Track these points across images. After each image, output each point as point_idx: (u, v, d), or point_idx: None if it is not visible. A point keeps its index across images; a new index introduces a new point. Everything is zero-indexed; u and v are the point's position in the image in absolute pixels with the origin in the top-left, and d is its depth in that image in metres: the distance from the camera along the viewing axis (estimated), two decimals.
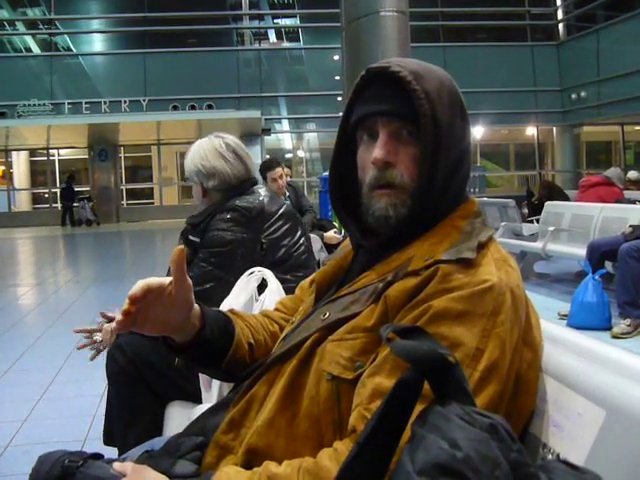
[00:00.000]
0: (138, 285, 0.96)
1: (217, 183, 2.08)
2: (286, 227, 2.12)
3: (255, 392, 1.00)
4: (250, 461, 0.92)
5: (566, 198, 8.99)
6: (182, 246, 0.97)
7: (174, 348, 1.08)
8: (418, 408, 0.62)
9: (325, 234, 4.88)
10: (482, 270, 0.88)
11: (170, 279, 0.98)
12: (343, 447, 0.82)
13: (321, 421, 0.90)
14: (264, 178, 4.73)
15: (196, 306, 1.06)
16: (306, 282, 1.23)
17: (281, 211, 2.13)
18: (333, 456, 0.82)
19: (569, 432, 0.81)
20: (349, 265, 1.07)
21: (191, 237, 2.11)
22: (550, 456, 0.83)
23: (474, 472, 0.53)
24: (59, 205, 20.56)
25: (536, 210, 8.27)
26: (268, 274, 1.75)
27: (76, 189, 18.48)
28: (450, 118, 0.95)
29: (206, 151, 2.09)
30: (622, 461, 0.71)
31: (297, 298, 1.23)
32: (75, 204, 18.46)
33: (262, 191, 2.16)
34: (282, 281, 1.84)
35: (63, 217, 18.46)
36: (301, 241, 2.16)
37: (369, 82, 0.99)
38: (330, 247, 4.70)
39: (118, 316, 0.97)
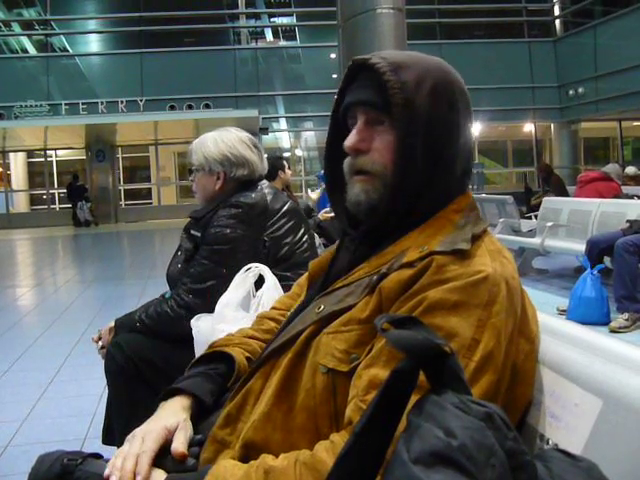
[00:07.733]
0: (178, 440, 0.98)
1: (246, 172, 2.09)
2: (289, 225, 2.09)
3: (251, 386, 1.00)
4: (247, 455, 0.92)
5: (563, 185, 9.08)
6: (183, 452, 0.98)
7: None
8: (414, 399, 0.62)
9: (319, 215, 5.04)
10: (477, 261, 0.88)
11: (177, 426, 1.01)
12: (340, 439, 0.82)
13: (317, 414, 0.90)
14: (273, 176, 4.79)
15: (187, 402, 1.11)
16: (303, 279, 1.23)
17: (285, 208, 2.10)
18: (330, 448, 0.82)
19: (566, 422, 0.81)
20: (335, 252, 1.09)
21: (193, 231, 2.09)
22: (547, 446, 0.83)
23: (470, 460, 0.52)
24: (57, 206, 20.50)
25: (534, 206, 8.30)
26: (265, 270, 1.73)
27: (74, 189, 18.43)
28: (429, 107, 0.94)
29: (233, 141, 2.10)
30: (619, 450, 0.71)
31: (295, 294, 1.24)
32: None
33: (266, 188, 2.12)
34: (284, 279, 1.82)
35: (74, 216, 18.30)
36: (304, 239, 2.13)
37: (356, 73, 1.02)
38: (328, 238, 4.76)
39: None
